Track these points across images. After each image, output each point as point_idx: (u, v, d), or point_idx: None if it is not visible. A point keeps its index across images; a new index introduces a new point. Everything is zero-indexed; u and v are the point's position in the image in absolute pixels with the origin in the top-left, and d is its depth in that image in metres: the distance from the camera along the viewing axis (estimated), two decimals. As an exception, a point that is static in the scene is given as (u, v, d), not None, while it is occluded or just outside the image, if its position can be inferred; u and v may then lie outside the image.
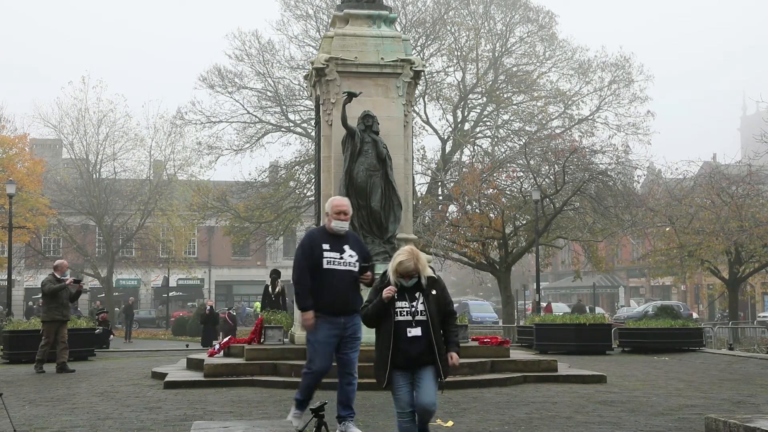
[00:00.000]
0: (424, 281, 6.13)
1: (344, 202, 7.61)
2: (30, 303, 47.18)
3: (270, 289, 19.36)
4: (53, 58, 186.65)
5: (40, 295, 46.75)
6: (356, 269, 7.51)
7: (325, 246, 7.39)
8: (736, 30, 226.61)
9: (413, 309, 6.12)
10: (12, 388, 12.71)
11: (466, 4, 39.90)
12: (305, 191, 38.64)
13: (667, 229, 35.82)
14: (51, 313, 15.56)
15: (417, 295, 6.14)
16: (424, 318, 6.08)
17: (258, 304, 33.66)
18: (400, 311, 6.13)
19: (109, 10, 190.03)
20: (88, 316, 27.03)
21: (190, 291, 61.86)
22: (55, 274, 15.69)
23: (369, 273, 7.53)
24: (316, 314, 7.54)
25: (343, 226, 7.44)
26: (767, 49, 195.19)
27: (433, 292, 6.16)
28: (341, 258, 7.41)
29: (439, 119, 42.24)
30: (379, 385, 6.37)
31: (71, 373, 15.12)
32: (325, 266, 7.34)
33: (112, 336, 26.52)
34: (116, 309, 48.05)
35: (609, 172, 31.99)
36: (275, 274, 19.66)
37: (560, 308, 46.32)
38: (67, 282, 15.76)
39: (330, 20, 17.08)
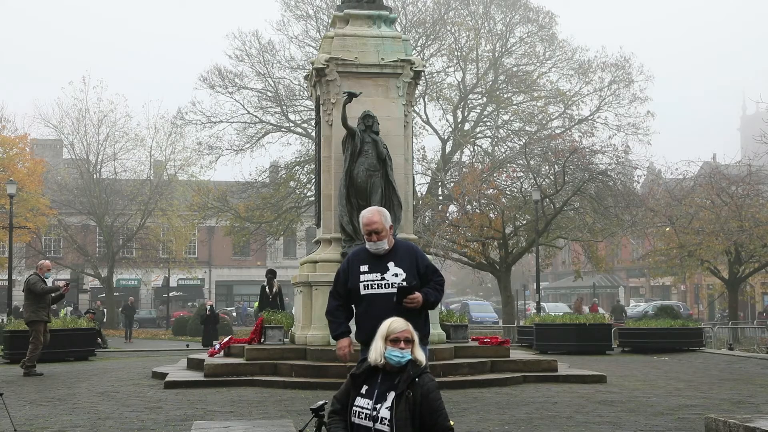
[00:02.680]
0: (409, 356, 4.59)
1: (374, 219, 5.97)
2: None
3: (267, 289, 19.31)
4: (53, 58, 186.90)
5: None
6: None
7: (364, 267, 6.03)
8: (736, 29, 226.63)
9: (375, 413, 4.47)
10: (12, 388, 12.73)
11: (466, 5, 39.93)
12: (305, 191, 38.66)
13: (667, 229, 35.83)
14: (39, 313, 15.21)
15: (387, 395, 4.51)
16: (386, 429, 4.41)
17: (258, 304, 33.60)
18: (359, 412, 4.53)
19: (108, 9, 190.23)
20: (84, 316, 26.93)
21: (191, 291, 61.88)
22: (38, 274, 15.35)
23: (416, 294, 5.84)
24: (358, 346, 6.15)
25: (378, 247, 5.97)
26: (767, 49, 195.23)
27: (410, 393, 4.50)
28: (382, 279, 5.98)
29: (439, 119, 42.33)
30: None
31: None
32: (362, 292, 5.99)
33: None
34: (116, 309, 48.06)
35: (609, 172, 32.02)
36: (271, 274, 19.59)
37: (560, 308, 46.35)
38: (62, 287, 15.56)
39: (330, 20, 17.10)
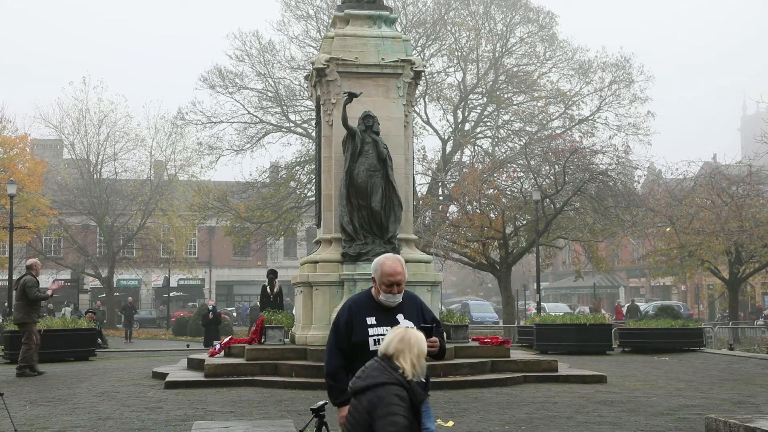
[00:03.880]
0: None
1: (397, 269, 5.40)
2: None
3: (268, 289, 19.31)
4: (53, 58, 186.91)
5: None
6: None
7: (370, 320, 5.52)
8: (736, 29, 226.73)
9: None
10: (13, 388, 12.73)
11: (466, 5, 39.93)
12: (306, 191, 38.67)
13: (668, 229, 35.83)
14: (32, 315, 15.44)
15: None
16: None
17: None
18: None
19: (108, 8, 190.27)
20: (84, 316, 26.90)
21: (191, 291, 61.87)
22: (32, 274, 15.53)
23: (434, 338, 5.30)
24: None
25: (395, 300, 5.48)
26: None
27: None
28: None
29: (440, 119, 42.32)
30: None
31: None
32: (372, 347, 5.40)
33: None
34: (117, 309, 48.06)
35: (609, 173, 31.99)
36: (272, 274, 19.60)
37: (560, 308, 46.39)
38: (50, 293, 15.98)
39: (330, 21, 17.10)
